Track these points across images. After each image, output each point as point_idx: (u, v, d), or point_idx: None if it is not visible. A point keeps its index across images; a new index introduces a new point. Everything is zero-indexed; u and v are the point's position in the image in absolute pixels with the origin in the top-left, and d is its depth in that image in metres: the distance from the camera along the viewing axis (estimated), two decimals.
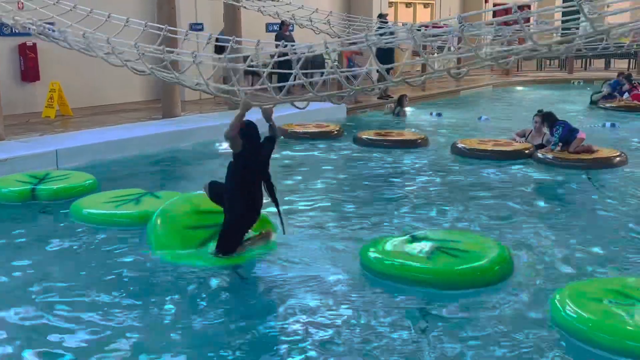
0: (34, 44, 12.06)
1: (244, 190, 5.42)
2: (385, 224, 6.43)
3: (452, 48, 5.37)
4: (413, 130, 11.74)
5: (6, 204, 7.02)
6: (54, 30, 6.82)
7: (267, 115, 5.64)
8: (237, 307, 4.68)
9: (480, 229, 6.21)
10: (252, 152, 5.44)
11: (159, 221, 5.67)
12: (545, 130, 9.35)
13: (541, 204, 7.28)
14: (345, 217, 6.67)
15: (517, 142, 9.72)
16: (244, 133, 5.37)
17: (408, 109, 13.86)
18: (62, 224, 6.42)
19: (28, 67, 12.32)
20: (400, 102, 13.64)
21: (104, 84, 13.20)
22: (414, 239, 5.41)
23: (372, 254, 5.19)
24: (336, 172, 8.83)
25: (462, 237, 5.58)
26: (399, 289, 4.82)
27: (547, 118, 9.38)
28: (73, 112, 12.11)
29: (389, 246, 5.30)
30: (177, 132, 10.43)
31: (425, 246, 5.22)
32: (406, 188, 7.96)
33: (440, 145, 10.50)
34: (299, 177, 8.43)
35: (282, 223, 5.64)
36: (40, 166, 8.12)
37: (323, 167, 9.04)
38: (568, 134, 8.98)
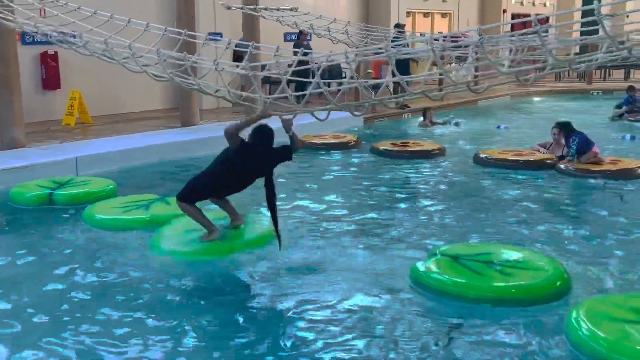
0: (56, 53, 12.22)
1: (229, 174, 5.57)
2: (409, 236, 6.34)
3: (470, 59, 5.34)
4: (431, 140, 11.71)
5: (25, 208, 7.15)
6: (74, 36, 6.90)
7: (287, 126, 5.59)
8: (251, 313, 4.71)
9: (508, 241, 6.07)
10: (251, 155, 5.51)
11: None
12: (563, 140, 9.31)
13: (568, 215, 7.22)
14: (365, 230, 6.56)
15: (541, 152, 9.66)
16: (254, 134, 5.50)
17: (446, 121, 13.70)
18: (72, 228, 6.53)
19: (49, 75, 12.48)
20: (425, 115, 13.55)
21: (123, 92, 13.33)
22: (466, 255, 5.20)
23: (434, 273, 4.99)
24: (353, 183, 8.79)
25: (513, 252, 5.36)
26: (440, 303, 4.73)
27: (564, 127, 9.36)
28: (93, 120, 12.24)
29: (445, 263, 5.08)
30: (195, 141, 10.49)
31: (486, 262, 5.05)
32: (428, 199, 7.85)
33: (460, 155, 10.44)
34: (315, 187, 8.44)
35: (278, 237, 5.55)
36: (60, 173, 8.22)
37: (339, 179, 9.02)
38: (584, 146, 8.96)
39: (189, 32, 6.61)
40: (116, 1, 12.90)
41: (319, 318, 4.57)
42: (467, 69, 6.05)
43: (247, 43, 5.77)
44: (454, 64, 9.41)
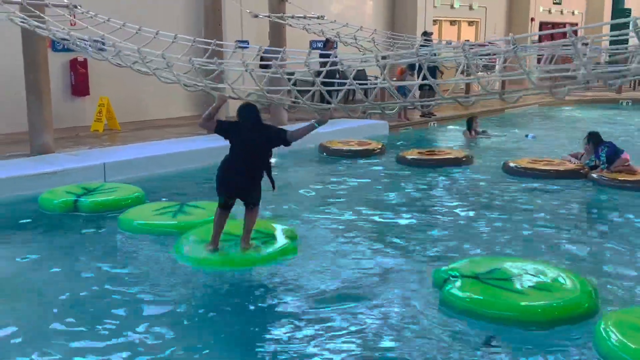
0: (85, 60, 12.38)
1: (231, 160, 5.61)
2: (434, 247, 6.28)
3: (498, 67, 5.31)
4: (457, 148, 11.60)
5: (51, 214, 7.23)
6: (103, 44, 7.00)
7: (324, 121, 5.69)
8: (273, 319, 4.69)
9: (537, 255, 5.94)
10: (242, 130, 5.57)
11: None
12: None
13: (598, 225, 7.13)
14: (389, 239, 6.52)
15: (572, 162, 9.51)
16: (240, 112, 5.62)
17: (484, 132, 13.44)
18: (94, 235, 6.63)
19: (78, 82, 12.65)
20: (470, 124, 13.28)
21: (150, 99, 13.45)
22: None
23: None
24: (377, 190, 8.75)
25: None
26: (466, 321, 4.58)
27: (592, 137, 9.27)
28: (121, 127, 12.37)
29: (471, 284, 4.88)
30: (221, 148, 10.50)
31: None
32: (456, 208, 7.73)
33: (488, 163, 10.33)
34: (339, 193, 8.42)
35: (272, 181, 5.74)
36: (89, 179, 8.31)
37: (364, 185, 8.98)
38: (613, 154, 8.87)
39: (218, 42, 6.67)
40: (143, 11, 13.09)
41: (340, 332, 4.50)
42: (496, 77, 5.99)
43: (276, 49, 5.81)
44: (480, 72, 9.35)
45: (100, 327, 4.52)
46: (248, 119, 5.59)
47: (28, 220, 7.10)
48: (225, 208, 5.70)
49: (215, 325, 4.65)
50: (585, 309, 4.63)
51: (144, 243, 6.25)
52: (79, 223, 6.99)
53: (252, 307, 4.92)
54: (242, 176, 5.57)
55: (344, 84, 5.57)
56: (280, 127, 5.87)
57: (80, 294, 5.09)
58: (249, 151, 5.56)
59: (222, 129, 5.68)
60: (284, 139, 5.59)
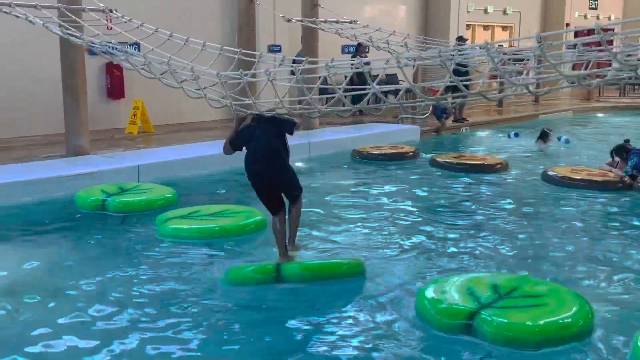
0: None
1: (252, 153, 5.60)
2: (463, 255, 6.14)
3: (532, 62, 5.27)
4: (492, 154, 11.47)
5: (85, 213, 7.40)
6: (136, 52, 7.09)
7: (297, 128, 5.83)
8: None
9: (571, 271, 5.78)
10: (252, 127, 5.62)
11: None
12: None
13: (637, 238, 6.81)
14: (419, 245, 6.44)
15: (613, 172, 9.18)
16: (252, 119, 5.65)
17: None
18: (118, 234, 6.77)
19: (114, 84, 12.86)
20: (544, 133, 12.92)
21: (184, 102, 13.53)
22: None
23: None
24: (410, 195, 8.70)
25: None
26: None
27: (618, 152, 9.15)
28: (155, 129, 12.54)
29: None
30: None
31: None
32: (488, 217, 7.52)
33: (523, 170, 10.18)
34: (372, 197, 8.43)
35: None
36: (123, 180, 8.42)
37: (397, 190, 8.93)
38: None
39: (244, 51, 6.70)
40: (178, 14, 13.25)
41: (371, 342, 4.43)
42: (527, 74, 5.94)
43: (301, 59, 5.81)
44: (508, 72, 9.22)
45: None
46: (258, 119, 5.63)
47: (61, 219, 7.25)
48: (275, 212, 5.63)
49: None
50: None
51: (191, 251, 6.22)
52: (107, 222, 7.14)
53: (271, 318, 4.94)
54: (268, 162, 5.53)
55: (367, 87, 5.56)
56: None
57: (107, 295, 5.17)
58: (265, 140, 5.55)
59: (239, 144, 5.69)
60: (290, 129, 5.71)
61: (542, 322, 4.32)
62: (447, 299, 4.60)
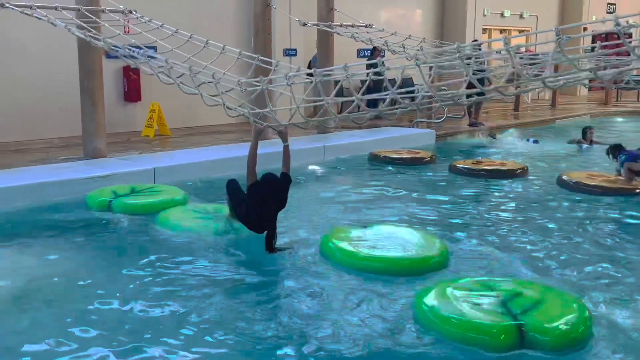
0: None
1: (254, 207, 6.04)
2: (480, 262, 6.04)
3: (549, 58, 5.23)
4: (512, 159, 11.31)
5: (93, 212, 7.45)
6: (157, 55, 7.12)
7: (284, 137, 6.27)
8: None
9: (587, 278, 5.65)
10: (262, 188, 6.01)
11: None
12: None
13: None
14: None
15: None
16: (262, 178, 6.04)
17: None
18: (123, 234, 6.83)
19: (131, 88, 12.96)
20: (585, 133, 12.95)
21: (201, 106, 13.58)
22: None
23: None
24: (428, 200, 8.57)
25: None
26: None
27: (612, 151, 9.31)
28: (171, 132, 12.61)
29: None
30: (267, 155, 10.60)
31: None
32: (507, 223, 7.41)
33: (543, 176, 10.04)
34: (389, 202, 8.37)
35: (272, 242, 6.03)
36: (139, 183, 8.47)
37: (414, 195, 8.82)
38: (633, 161, 8.76)
39: (262, 58, 6.72)
40: (194, 18, 13.32)
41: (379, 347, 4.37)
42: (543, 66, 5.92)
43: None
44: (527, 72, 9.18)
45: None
46: (265, 182, 6.02)
47: (69, 219, 7.27)
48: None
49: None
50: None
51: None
52: (113, 222, 7.18)
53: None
54: (265, 225, 6.05)
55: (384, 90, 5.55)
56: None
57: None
58: (267, 205, 6.02)
59: (254, 186, 6.05)
60: (289, 180, 6.20)
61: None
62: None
